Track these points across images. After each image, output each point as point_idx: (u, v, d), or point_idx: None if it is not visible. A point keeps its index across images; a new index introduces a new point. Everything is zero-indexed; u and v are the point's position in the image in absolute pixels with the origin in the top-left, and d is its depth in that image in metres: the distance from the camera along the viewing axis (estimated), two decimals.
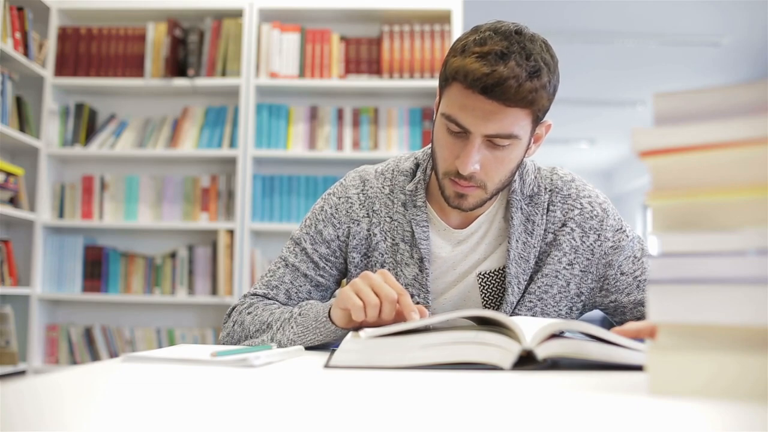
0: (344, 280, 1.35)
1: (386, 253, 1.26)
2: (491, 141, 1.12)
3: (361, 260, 1.28)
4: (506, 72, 1.06)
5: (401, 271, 1.24)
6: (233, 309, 1.27)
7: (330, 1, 3.34)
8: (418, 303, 1.22)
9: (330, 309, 1.09)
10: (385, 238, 1.26)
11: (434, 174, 1.23)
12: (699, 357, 0.59)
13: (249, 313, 1.22)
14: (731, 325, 0.58)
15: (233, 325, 1.24)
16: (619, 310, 1.26)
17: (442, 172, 1.18)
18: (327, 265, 1.29)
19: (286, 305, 1.25)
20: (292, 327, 1.13)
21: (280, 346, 1.12)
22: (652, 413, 0.54)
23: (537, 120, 1.15)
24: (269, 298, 1.27)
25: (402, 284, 1.24)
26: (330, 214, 1.29)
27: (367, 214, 1.28)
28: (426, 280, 1.23)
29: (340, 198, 1.30)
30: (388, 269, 1.25)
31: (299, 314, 1.14)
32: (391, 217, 1.27)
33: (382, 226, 1.27)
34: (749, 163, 0.58)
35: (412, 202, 1.26)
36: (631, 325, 0.90)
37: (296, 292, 1.28)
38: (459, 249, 1.26)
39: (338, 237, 1.28)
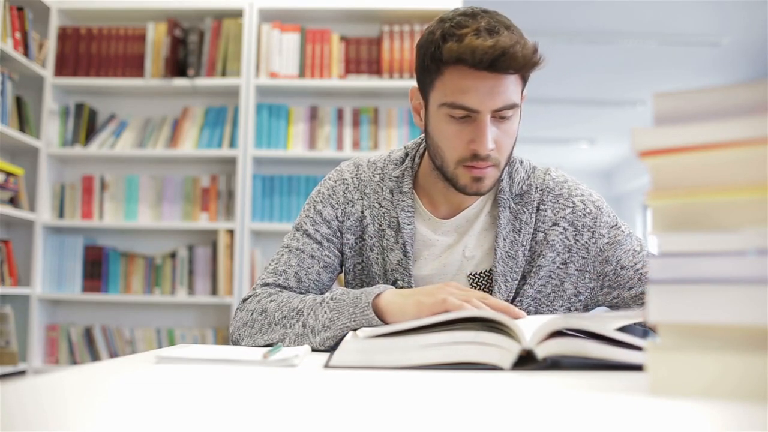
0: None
1: (374, 237, 1.27)
2: (497, 115, 1.13)
3: (356, 242, 1.29)
4: (507, 41, 1.07)
5: (387, 256, 1.25)
6: (246, 300, 1.23)
7: (330, 1, 3.34)
8: (401, 288, 1.22)
9: (374, 298, 1.06)
10: (374, 222, 1.28)
11: (439, 170, 1.22)
12: (699, 357, 0.59)
13: (272, 301, 1.18)
14: (731, 325, 0.58)
15: (251, 314, 1.19)
16: (622, 306, 1.25)
17: (455, 162, 1.17)
18: (330, 244, 1.28)
19: (299, 291, 1.24)
20: (325, 311, 1.09)
21: (311, 331, 1.10)
22: (652, 413, 0.54)
23: (523, 86, 1.18)
24: (280, 285, 1.25)
25: (387, 269, 1.25)
26: (327, 195, 1.30)
27: (361, 196, 1.29)
28: (409, 264, 1.24)
29: (336, 181, 1.32)
30: (376, 253, 1.26)
31: (331, 298, 1.11)
32: (379, 203, 1.28)
33: (371, 210, 1.28)
34: (749, 163, 0.58)
35: (399, 189, 1.28)
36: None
37: (306, 275, 1.25)
38: (443, 238, 1.27)
39: (336, 217, 1.29)
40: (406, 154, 1.32)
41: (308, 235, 1.28)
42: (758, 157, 0.58)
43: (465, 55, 1.08)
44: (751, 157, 0.58)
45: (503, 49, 1.06)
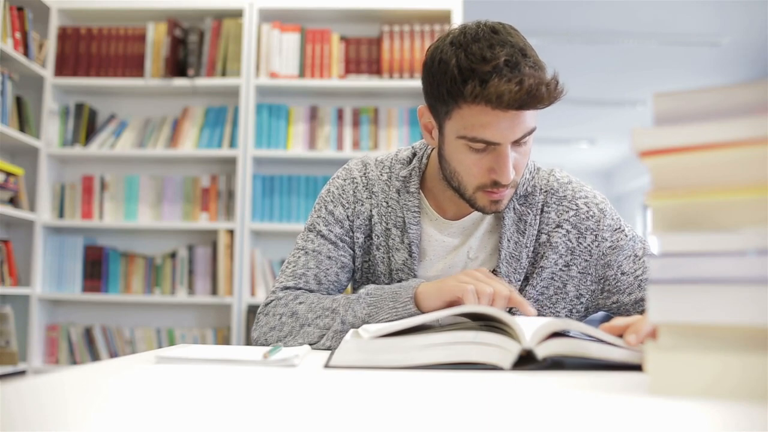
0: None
1: (381, 236, 1.27)
2: (516, 142, 1.13)
3: (364, 241, 1.29)
4: (531, 81, 1.05)
5: (392, 256, 1.26)
6: (269, 305, 1.24)
7: (330, 1, 3.34)
8: None
9: (415, 292, 1.10)
10: (381, 221, 1.28)
11: (455, 190, 1.21)
12: (699, 357, 0.59)
13: (301, 303, 1.20)
14: (731, 325, 0.58)
15: (279, 318, 1.20)
16: (622, 310, 1.25)
17: (475, 187, 1.17)
18: (344, 244, 1.29)
19: (320, 293, 1.25)
20: (363, 307, 1.13)
21: (351, 327, 1.12)
22: (652, 413, 0.54)
23: None
24: (300, 288, 1.25)
25: (393, 269, 1.25)
26: (338, 195, 1.30)
27: (369, 195, 1.30)
28: (414, 264, 1.24)
29: (345, 180, 1.32)
30: (382, 253, 1.27)
31: (367, 294, 1.14)
32: (386, 203, 1.28)
33: (379, 209, 1.28)
34: (749, 163, 0.58)
35: (405, 188, 1.28)
36: (620, 321, 0.89)
37: (325, 276, 1.26)
38: (449, 239, 1.27)
39: (348, 217, 1.29)
40: (414, 154, 1.32)
41: (322, 236, 1.28)
42: (758, 157, 0.58)
43: (490, 101, 1.06)
44: (751, 157, 0.58)
45: (528, 92, 1.05)
